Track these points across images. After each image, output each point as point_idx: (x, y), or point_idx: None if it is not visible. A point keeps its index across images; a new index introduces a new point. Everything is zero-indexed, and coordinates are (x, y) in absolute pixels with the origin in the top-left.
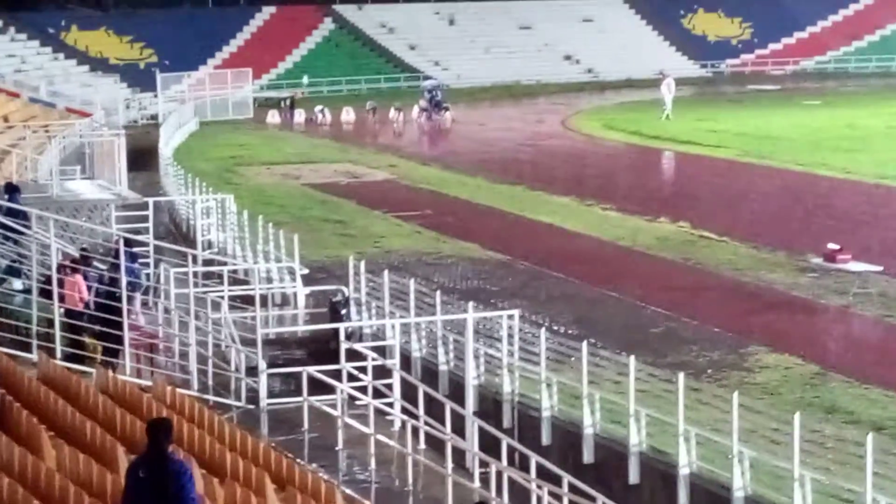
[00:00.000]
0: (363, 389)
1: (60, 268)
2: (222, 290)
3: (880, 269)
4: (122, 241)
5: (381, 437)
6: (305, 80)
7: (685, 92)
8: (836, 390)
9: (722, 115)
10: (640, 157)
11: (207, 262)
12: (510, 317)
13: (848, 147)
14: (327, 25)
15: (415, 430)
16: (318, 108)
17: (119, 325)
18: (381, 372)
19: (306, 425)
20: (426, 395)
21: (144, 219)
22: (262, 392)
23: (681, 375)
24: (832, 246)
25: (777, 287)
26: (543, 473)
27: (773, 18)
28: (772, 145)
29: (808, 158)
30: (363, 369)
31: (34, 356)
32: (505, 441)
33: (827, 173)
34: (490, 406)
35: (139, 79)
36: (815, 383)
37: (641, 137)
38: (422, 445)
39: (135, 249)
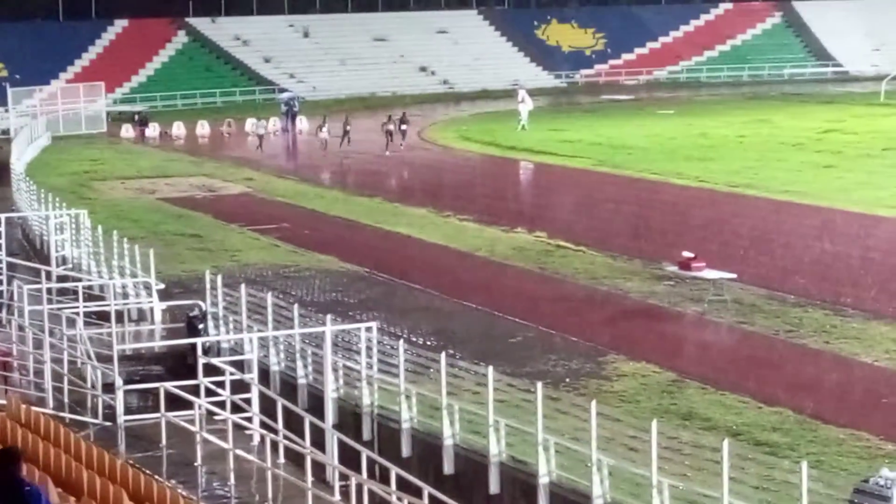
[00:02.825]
0: (222, 404)
1: None
2: (77, 307)
3: (734, 276)
4: None
5: (240, 452)
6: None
7: (540, 102)
8: (692, 397)
9: (577, 125)
10: (496, 168)
11: (62, 279)
12: (368, 329)
13: (701, 156)
14: (181, 38)
15: (274, 445)
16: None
17: None
18: (240, 386)
19: (164, 441)
20: (285, 408)
21: None
22: (119, 409)
23: (539, 385)
24: (687, 254)
25: (633, 295)
26: (404, 485)
27: (626, 29)
28: (626, 155)
29: (662, 167)
30: (221, 384)
31: None
32: (365, 453)
33: (681, 182)
34: (350, 419)
35: None
36: (672, 390)
37: (497, 148)
38: (281, 459)
39: None
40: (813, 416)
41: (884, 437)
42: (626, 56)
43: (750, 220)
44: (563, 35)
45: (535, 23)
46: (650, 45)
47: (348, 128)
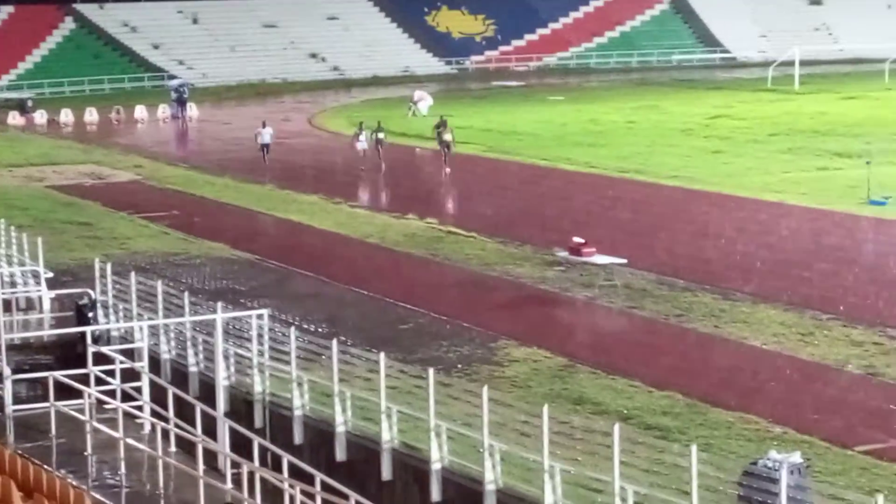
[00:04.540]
0: (112, 393)
1: None
2: None
3: (624, 261)
4: None
5: (130, 441)
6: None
7: (431, 89)
8: (583, 382)
9: (467, 111)
10: (386, 155)
11: None
12: (259, 316)
13: (591, 142)
14: (68, 25)
15: (165, 433)
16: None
17: None
18: (130, 375)
19: (54, 431)
20: (176, 397)
21: None
22: (8, 399)
23: (431, 371)
24: (577, 239)
25: (525, 281)
26: (296, 472)
27: (515, 15)
28: (517, 141)
29: (552, 153)
30: (111, 373)
31: None
32: (256, 441)
33: (571, 168)
34: (241, 406)
35: None
36: (564, 375)
37: (388, 135)
38: (172, 448)
39: None
40: (702, 399)
41: (772, 420)
42: (517, 42)
43: (640, 205)
44: (454, 21)
45: (426, 9)
46: (540, 31)
47: (381, 135)
